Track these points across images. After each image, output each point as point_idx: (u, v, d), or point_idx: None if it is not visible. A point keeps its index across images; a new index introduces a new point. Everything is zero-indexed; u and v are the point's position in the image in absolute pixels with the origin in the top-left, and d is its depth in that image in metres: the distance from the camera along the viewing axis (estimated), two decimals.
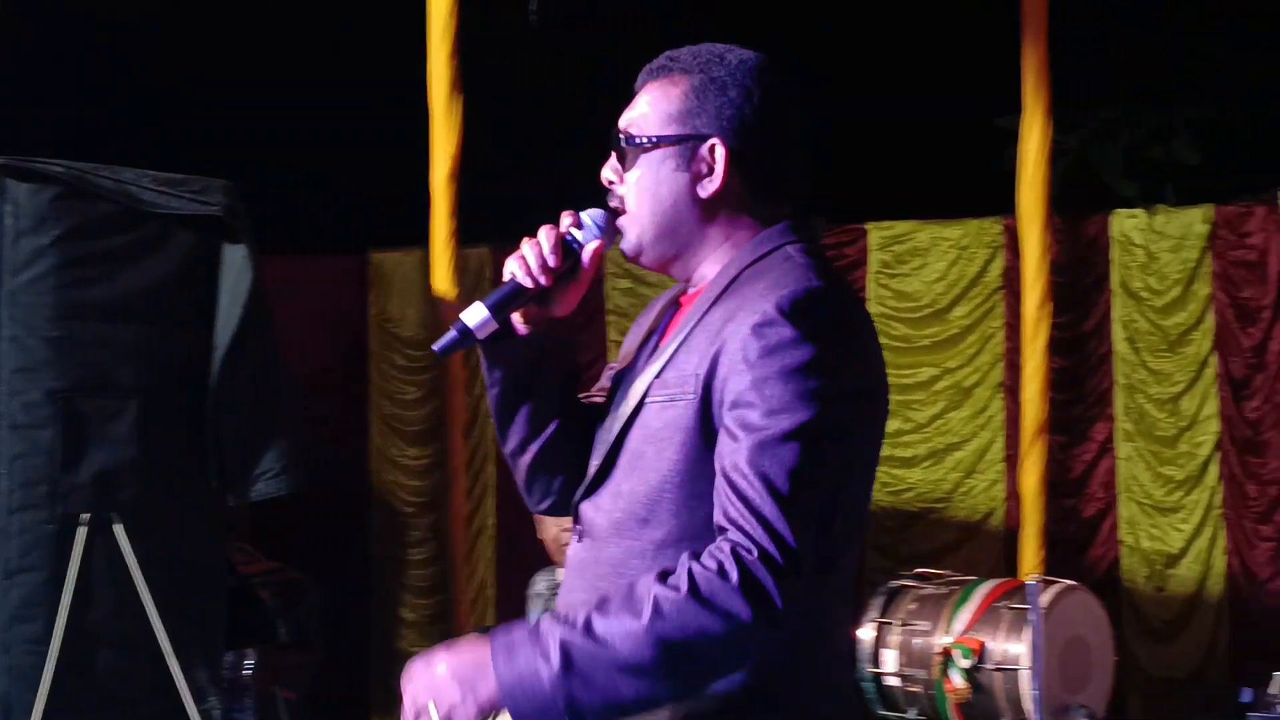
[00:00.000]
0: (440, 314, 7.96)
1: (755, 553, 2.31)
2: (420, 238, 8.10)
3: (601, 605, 2.34)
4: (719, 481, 2.39)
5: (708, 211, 2.60)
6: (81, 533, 5.43)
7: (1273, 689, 5.37)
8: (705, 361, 2.46)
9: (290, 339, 7.75)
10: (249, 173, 6.17)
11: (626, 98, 2.78)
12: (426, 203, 7.63)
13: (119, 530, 5.48)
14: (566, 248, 2.66)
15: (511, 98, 10.47)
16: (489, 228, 9.21)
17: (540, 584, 5.47)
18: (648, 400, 2.55)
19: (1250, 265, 8.63)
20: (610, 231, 2.68)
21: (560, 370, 2.78)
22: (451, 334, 2.63)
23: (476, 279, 9.25)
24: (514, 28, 7.97)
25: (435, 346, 2.65)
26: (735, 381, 2.41)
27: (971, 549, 8.84)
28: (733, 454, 2.37)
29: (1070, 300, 8.75)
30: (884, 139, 10.51)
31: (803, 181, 2.67)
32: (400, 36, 8.09)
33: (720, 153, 2.57)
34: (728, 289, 2.53)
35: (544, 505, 2.85)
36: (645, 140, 2.61)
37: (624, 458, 2.56)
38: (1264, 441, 8.58)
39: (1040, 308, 7.73)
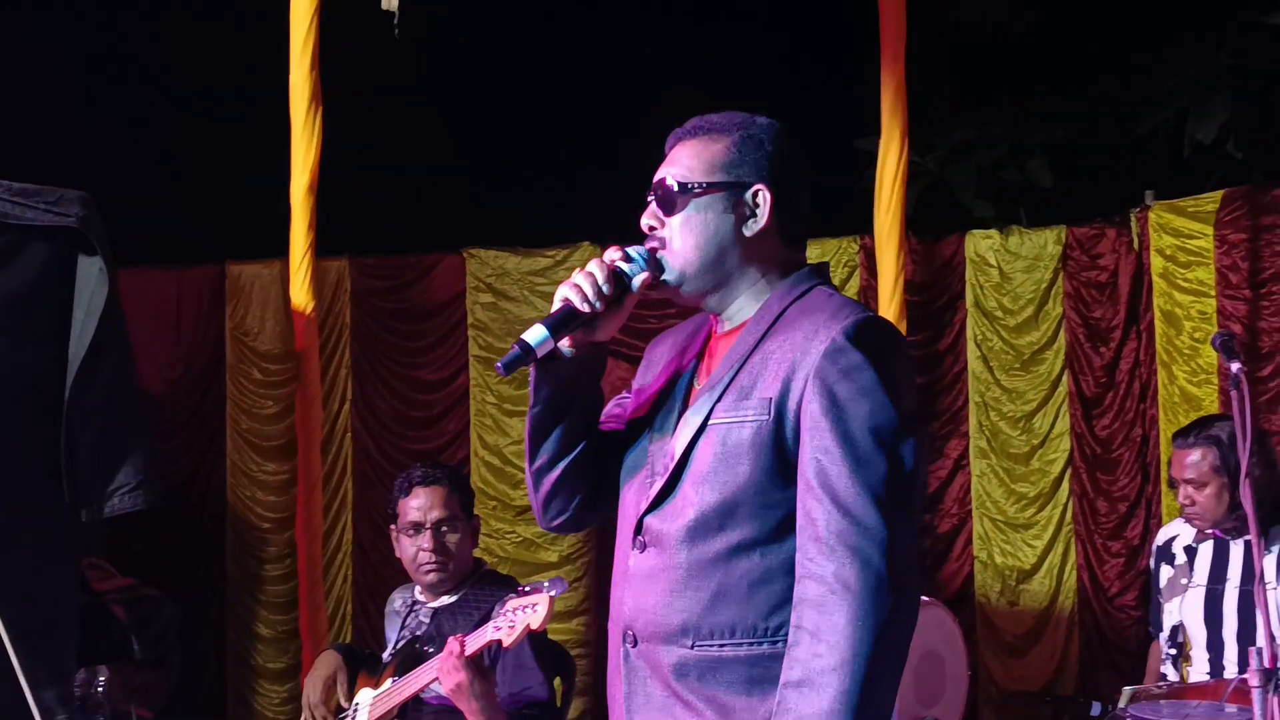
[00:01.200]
0: (298, 326, 7.90)
1: (873, 548, 2.70)
2: (278, 249, 8.03)
3: (793, 646, 2.73)
4: (816, 492, 2.74)
5: (747, 250, 2.97)
6: None
7: (1121, 702, 5.47)
8: (775, 386, 2.81)
9: (146, 352, 7.67)
10: (105, 184, 6.08)
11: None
12: (285, 214, 7.57)
13: None
14: (616, 278, 2.96)
15: (371, 111, 10.42)
16: (348, 240, 9.18)
17: (398, 600, 5.45)
18: (712, 422, 2.87)
19: (1101, 286, 8.80)
20: (653, 264, 2.99)
21: (593, 395, 3.09)
22: (515, 350, 2.91)
23: (335, 291, 9.19)
24: (375, 41, 7.91)
25: (499, 364, 2.93)
26: (817, 403, 2.77)
27: None
28: (830, 466, 2.74)
29: (925, 319, 8.87)
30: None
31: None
32: (261, 48, 8.02)
33: (766, 197, 2.97)
34: (776, 323, 2.90)
35: (558, 522, 3.17)
36: (697, 186, 2.96)
37: (691, 474, 2.88)
38: (1114, 459, 8.74)
39: (896, 326, 7.81)
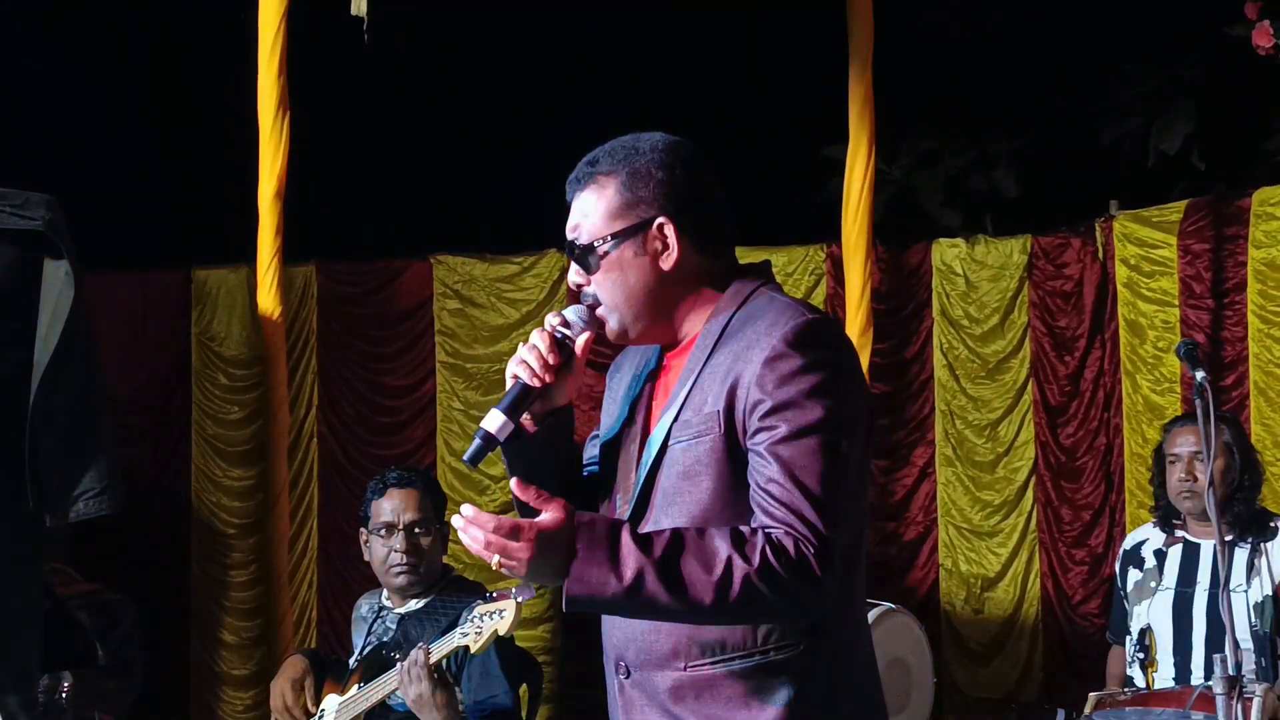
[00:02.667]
0: (265, 332, 7.88)
1: (811, 545, 2.68)
2: (245, 255, 8.01)
3: (676, 545, 2.68)
4: (757, 495, 2.76)
5: (674, 281, 2.97)
6: None
7: (1087, 709, 5.49)
8: (722, 398, 2.82)
9: (112, 356, 7.64)
10: (71, 187, 6.05)
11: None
12: (252, 220, 7.56)
13: None
14: (559, 344, 2.97)
15: (339, 116, 10.40)
16: (315, 245, 9.16)
17: (364, 606, 5.44)
18: (670, 443, 2.89)
19: (1066, 295, 8.84)
20: (593, 322, 3.00)
21: (565, 455, 3.10)
22: (477, 442, 2.90)
23: (302, 297, 9.17)
24: (343, 47, 7.91)
25: (465, 457, 2.93)
26: (757, 410, 2.77)
27: None
28: (766, 469, 2.74)
29: (892, 327, 8.90)
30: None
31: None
32: (229, 53, 8.01)
33: (669, 229, 2.95)
34: (723, 334, 2.90)
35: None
36: (600, 242, 2.95)
37: (657, 497, 2.90)
38: (1078, 467, 8.78)
39: (862, 334, 7.83)
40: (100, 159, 9.92)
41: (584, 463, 3.17)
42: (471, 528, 2.73)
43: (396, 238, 9.95)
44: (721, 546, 2.67)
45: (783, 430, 2.73)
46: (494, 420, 2.89)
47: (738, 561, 2.66)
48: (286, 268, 7.74)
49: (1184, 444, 5.81)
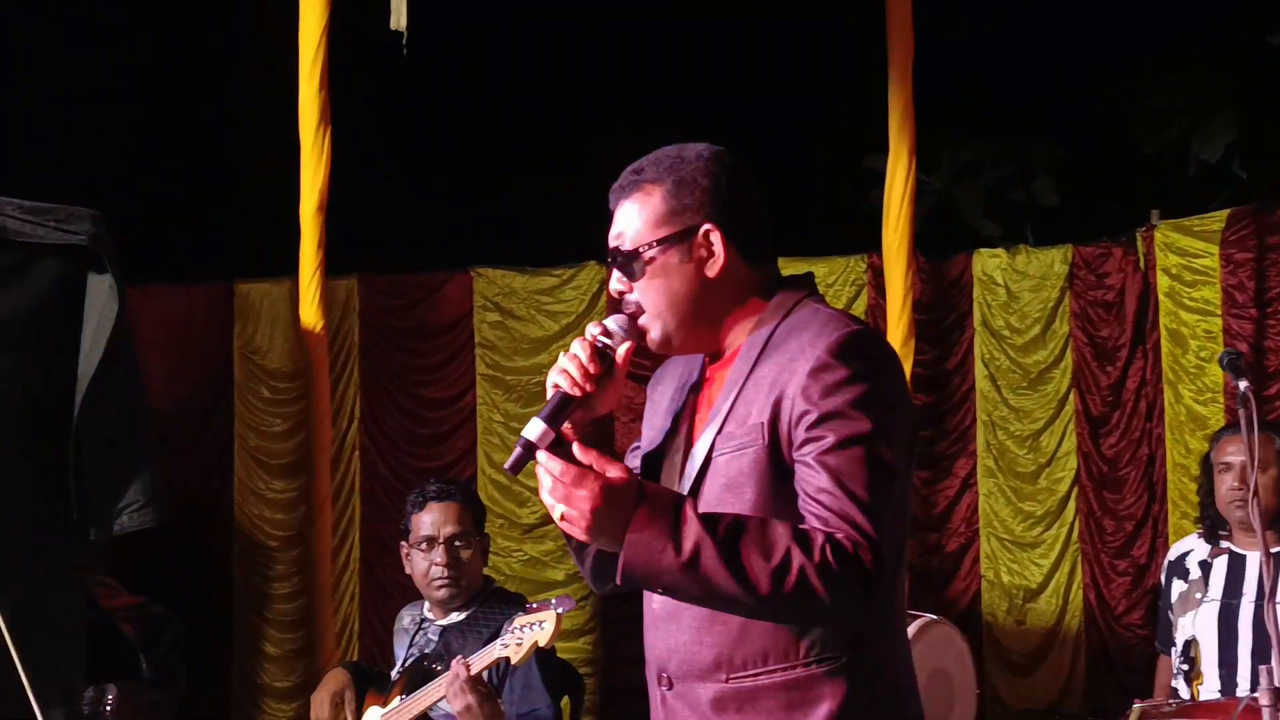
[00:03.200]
0: (307, 344, 7.91)
1: (865, 549, 2.68)
2: (287, 268, 8.05)
3: (738, 527, 2.68)
4: (808, 504, 2.75)
5: (718, 289, 2.97)
6: None
7: None
8: (766, 410, 2.83)
9: (155, 370, 7.69)
10: (115, 201, 6.10)
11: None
12: (294, 233, 7.59)
13: None
14: (600, 354, 2.95)
15: (380, 130, 10.45)
16: (356, 259, 9.20)
17: (406, 618, 5.44)
18: (714, 455, 2.89)
19: (1107, 305, 8.81)
20: (634, 331, 2.99)
21: None
22: (518, 451, 2.85)
23: (343, 310, 9.21)
24: (384, 61, 7.95)
25: (506, 465, 2.88)
26: (803, 421, 2.77)
27: None
28: (815, 479, 2.74)
29: (933, 338, 8.88)
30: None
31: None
32: (270, 68, 8.05)
33: (715, 236, 2.95)
34: (766, 346, 2.91)
35: (609, 588, 3.09)
36: (646, 248, 2.95)
37: (700, 508, 2.79)
38: (1120, 478, 8.74)
39: (904, 345, 7.81)
40: (143, 173, 9.99)
41: None
42: (542, 471, 2.75)
43: (437, 251, 9.99)
44: (783, 536, 2.68)
45: (830, 440, 2.74)
46: (535, 429, 2.87)
47: (797, 553, 2.66)
48: (328, 281, 7.77)
49: (1235, 452, 5.72)
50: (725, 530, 2.68)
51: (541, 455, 2.76)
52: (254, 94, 9.10)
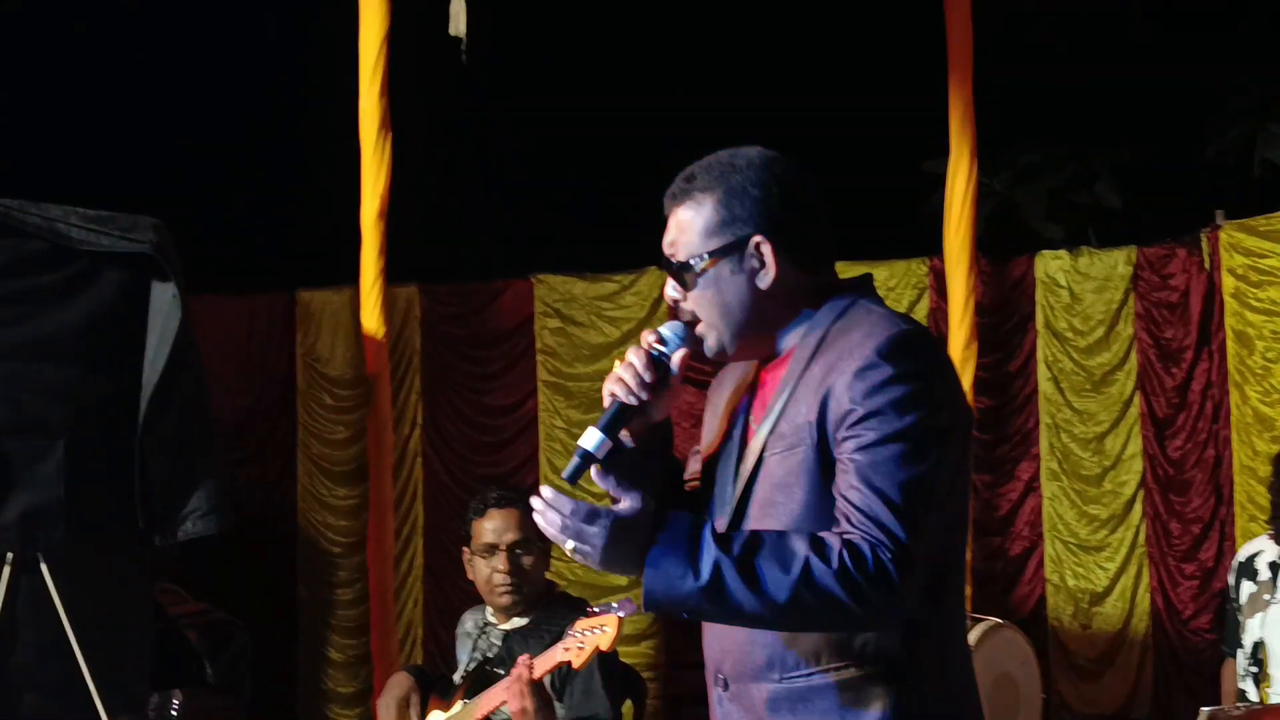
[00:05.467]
0: (368, 352, 7.94)
1: (888, 551, 2.67)
2: (348, 276, 8.07)
3: (754, 544, 2.68)
4: (839, 501, 2.75)
5: (771, 298, 2.94)
6: (5, 573, 5.37)
7: None
8: (814, 409, 2.82)
9: (217, 378, 7.72)
10: (177, 210, 6.14)
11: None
12: (355, 241, 7.62)
13: (44, 571, 5.41)
14: (656, 362, 2.94)
15: (441, 137, 10.48)
16: (417, 266, 9.23)
17: (469, 622, 5.45)
18: (766, 454, 2.89)
19: (1172, 306, 8.74)
20: (690, 339, 2.98)
21: (665, 469, 3.05)
22: (575, 460, 2.88)
23: (404, 317, 9.24)
24: (444, 67, 7.97)
25: (564, 475, 2.88)
26: (846, 420, 2.77)
27: None
28: (847, 476, 2.74)
29: (995, 341, 8.83)
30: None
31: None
32: (330, 74, 8.09)
33: (766, 247, 2.92)
34: (820, 347, 2.89)
35: None
36: (697, 260, 2.94)
37: (752, 508, 2.89)
38: (1187, 480, 8.67)
39: (966, 348, 7.79)
40: (205, 182, 10.05)
41: (685, 478, 3.15)
42: (550, 510, 2.74)
43: (497, 258, 10.02)
44: (800, 547, 2.67)
45: (866, 438, 2.73)
46: (591, 438, 2.88)
47: (815, 562, 2.65)
48: (389, 289, 7.79)
49: None
50: (742, 549, 2.68)
51: (547, 492, 2.76)
52: (315, 101, 9.15)
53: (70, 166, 9.10)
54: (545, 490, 2.76)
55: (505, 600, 5.15)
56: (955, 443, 2.82)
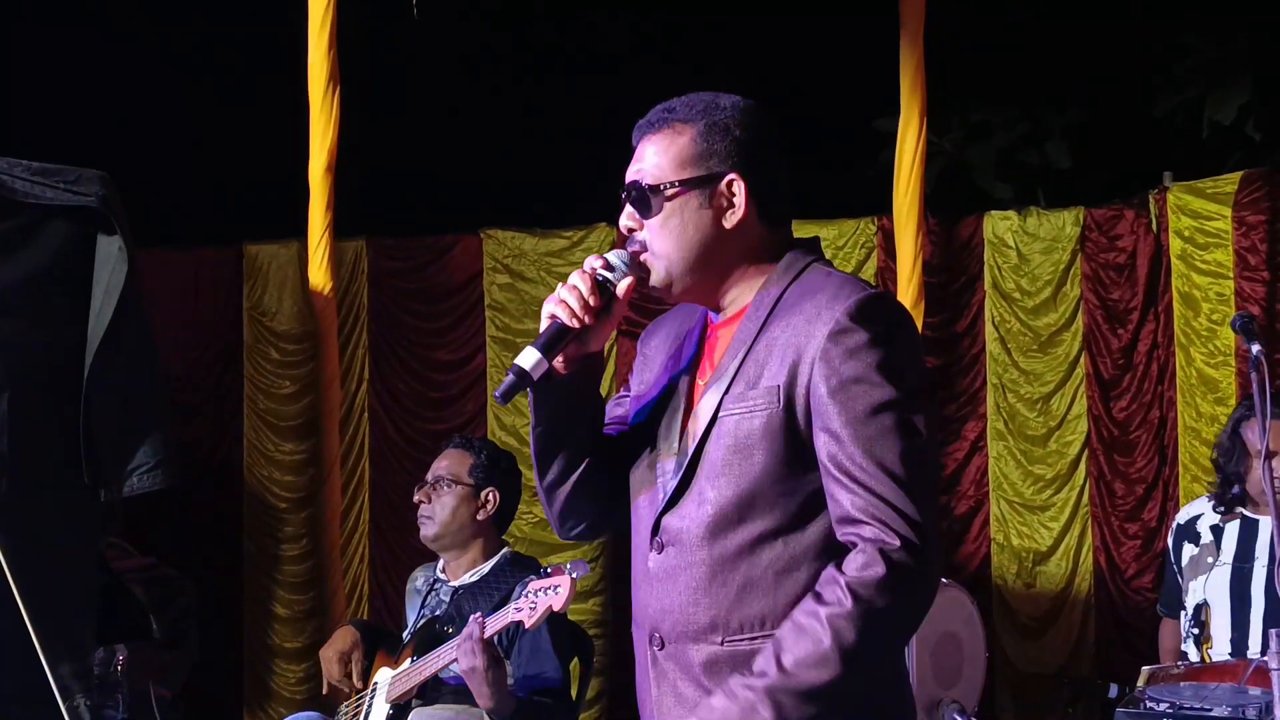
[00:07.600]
0: (316, 307, 7.90)
1: (895, 541, 2.65)
2: (296, 230, 8.03)
3: (773, 651, 2.68)
4: (835, 477, 2.72)
5: (731, 241, 2.91)
6: None
7: (1140, 683, 5.45)
8: (782, 374, 2.78)
9: (164, 332, 7.67)
10: (123, 164, 6.08)
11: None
12: (303, 195, 7.58)
13: None
14: (601, 287, 2.91)
15: (389, 91, 10.41)
16: (365, 221, 9.18)
17: (420, 579, 5.46)
18: (721, 415, 2.83)
19: (1119, 268, 8.78)
20: (636, 268, 2.93)
21: (594, 404, 3.04)
22: (510, 378, 2.86)
23: (352, 272, 9.19)
24: (393, 21, 7.93)
25: (496, 393, 2.91)
26: (824, 386, 2.73)
27: None
28: (841, 450, 2.71)
29: (943, 301, 8.86)
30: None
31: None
32: (279, 28, 8.03)
33: (740, 186, 2.90)
34: (775, 307, 2.86)
35: (576, 533, 3.14)
36: (668, 186, 2.89)
37: (704, 469, 2.84)
38: (1131, 441, 8.73)
39: (914, 308, 7.80)
40: (152, 135, 9.96)
41: (606, 419, 3.12)
42: None
43: (446, 212, 9.97)
44: (809, 614, 2.67)
45: (856, 409, 2.71)
46: (529, 358, 2.86)
47: (830, 612, 2.65)
48: (337, 243, 7.76)
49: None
50: (771, 660, 2.68)
51: None
52: (262, 55, 9.08)
53: (15, 119, 9.00)
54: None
55: (422, 531, 5.28)
56: (929, 400, 2.83)
